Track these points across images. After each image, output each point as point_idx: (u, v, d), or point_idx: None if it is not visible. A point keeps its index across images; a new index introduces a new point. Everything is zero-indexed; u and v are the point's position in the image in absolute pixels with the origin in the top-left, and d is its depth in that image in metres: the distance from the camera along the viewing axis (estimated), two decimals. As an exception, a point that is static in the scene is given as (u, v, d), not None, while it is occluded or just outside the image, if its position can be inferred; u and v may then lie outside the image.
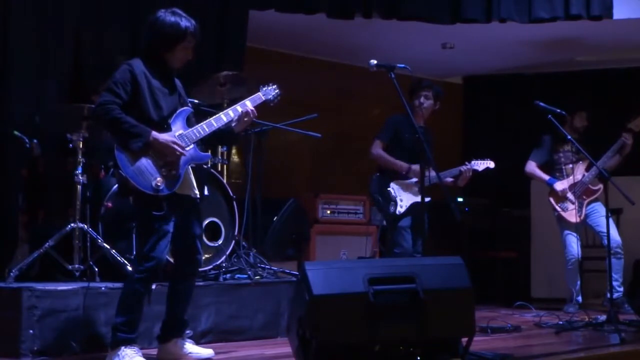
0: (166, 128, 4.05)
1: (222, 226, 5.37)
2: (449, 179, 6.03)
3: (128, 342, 3.95)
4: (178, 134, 4.07)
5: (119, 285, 4.46)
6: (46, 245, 4.78)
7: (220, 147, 5.77)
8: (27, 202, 5.14)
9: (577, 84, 8.91)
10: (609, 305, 5.46)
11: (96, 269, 4.90)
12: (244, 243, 5.58)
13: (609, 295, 5.55)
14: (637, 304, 6.36)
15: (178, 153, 4.00)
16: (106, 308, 4.39)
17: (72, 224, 4.87)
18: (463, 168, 6.02)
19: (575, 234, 6.71)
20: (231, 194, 5.43)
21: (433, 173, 5.35)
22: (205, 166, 5.44)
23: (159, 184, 3.92)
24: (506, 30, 7.57)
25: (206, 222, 5.30)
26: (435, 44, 8.24)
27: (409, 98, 5.94)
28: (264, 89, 4.51)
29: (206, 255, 5.27)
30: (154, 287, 4.64)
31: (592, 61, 8.99)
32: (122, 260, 4.86)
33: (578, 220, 6.63)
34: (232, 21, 6.62)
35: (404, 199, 5.93)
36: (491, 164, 6.11)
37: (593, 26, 7.39)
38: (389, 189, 5.95)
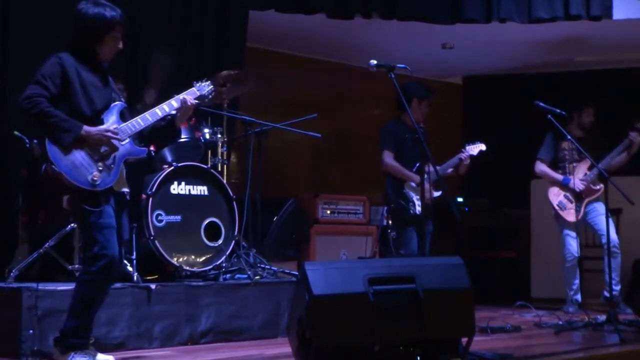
0: (99, 122, 3.89)
1: (222, 226, 5.36)
2: (450, 170, 6.16)
3: (79, 348, 3.79)
4: (112, 128, 3.92)
5: (118, 285, 4.47)
6: (46, 245, 4.79)
7: (220, 147, 5.76)
8: (27, 202, 5.12)
9: (577, 84, 8.90)
10: (607, 304, 5.46)
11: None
12: (244, 243, 5.57)
13: (606, 293, 5.55)
14: (636, 304, 6.36)
15: (113, 141, 3.85)
16: (106, 308, 4.36)
17: (72, 224, 4.87)
18: (462, 156, 6.19)
19: (574, 233, 6.71)
20: (231, 194, 5.43)
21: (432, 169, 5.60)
22: (205, 166, 5.44)
23: (95, 178, 3.78)
24: (506, 30, 7.56)
25: (206, 222, 5.30)
26: (435, 44, 8.24)
27: (411, 100, 6.04)
28: (198, 84, 4.42)
29: (206, 256, 5.28)
30: (153, 287, 4.66)
31: (592, 61, 8.98)
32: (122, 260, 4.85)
33: (576, 219, 6.63)
34: (232, 21, 6.62)
35: (418, 200, 6.04)
36: (483, 146, 6.29)
37: (593, 26, 7.39)
38: (404, 191, 6.12)
